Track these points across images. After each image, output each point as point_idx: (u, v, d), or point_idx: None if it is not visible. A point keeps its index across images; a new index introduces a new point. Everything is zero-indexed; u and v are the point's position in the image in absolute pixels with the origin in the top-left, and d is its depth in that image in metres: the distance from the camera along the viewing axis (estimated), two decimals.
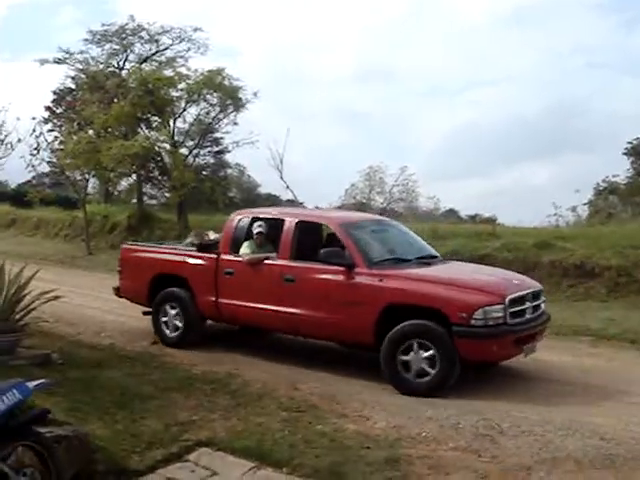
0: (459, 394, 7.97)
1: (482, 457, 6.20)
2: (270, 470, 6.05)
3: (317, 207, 22.69)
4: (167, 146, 25.31)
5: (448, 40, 64.12)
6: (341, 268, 8.68)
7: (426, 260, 9.44)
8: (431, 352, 8.01)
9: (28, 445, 4.92)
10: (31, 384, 5.08)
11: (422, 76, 66.59)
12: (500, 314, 8.04)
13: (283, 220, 9.55)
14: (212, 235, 10.64)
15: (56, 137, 26.62)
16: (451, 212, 39.15)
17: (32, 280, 8.80)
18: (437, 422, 7.06)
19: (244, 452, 6.31)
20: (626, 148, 32.57)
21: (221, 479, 5.96)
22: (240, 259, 9.61)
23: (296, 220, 9.44)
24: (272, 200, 33.23)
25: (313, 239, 9.36)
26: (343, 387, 8.25)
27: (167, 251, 10.85)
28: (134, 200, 31.48)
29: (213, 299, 9.78)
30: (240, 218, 10.17)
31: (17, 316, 8.54)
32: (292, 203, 24.91)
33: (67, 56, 31.94)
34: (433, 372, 8.03)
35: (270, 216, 10.06)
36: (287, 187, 24.74)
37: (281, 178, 24.31)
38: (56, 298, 9.26)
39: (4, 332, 8.07)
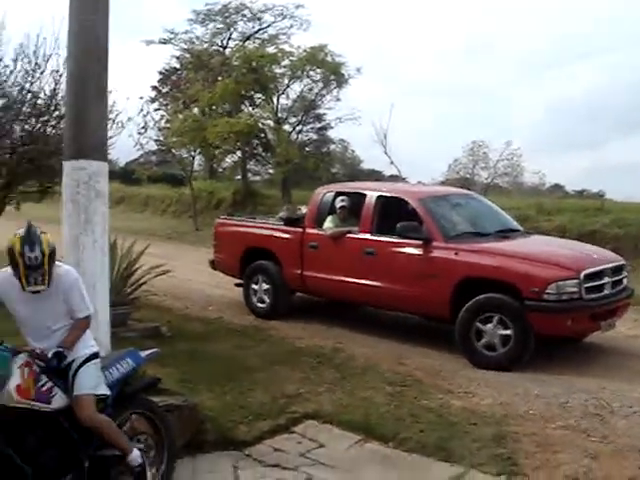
0: (563, 372, 7.83)
1: (591, 437, 6.06)
2: (376, 444, 6.08)
3: (420, 182, 22.49)
4: (271, 123, 25.58)
5: (553, 8, 61.86)
6: (419, 242, 8.69)
7: (505, 234, 9.32)
8: (508, 331, 7.96)
9: (141, 413, 5.09)
10: (143, 353, 5.25)
11: (526, 47, 64.60)
12: (574, 289, 7.89)
13: (364, 194, 9.63)
14: (304, 209, 10.77)
15: (162, 116, 27.28)
16: (557, 187, 38.13)
17: (142, 255, 9.10)
18: (544, 400, 6.94)
19: (350, 425, 6.36)
20: None
21: (327, 451, 6.02)
22: (323, 233, 9.70)
23: (377, 194, 9.50)
24: (375, 176, 33.11)
25: (394, 213, 9.32)
26: (447, 363, 8.20)
27: (257, 225, 11.08)
28: (238, 177, 31.96)
29: (299, 272, 9.97)
30: (325, 193, 10.34)
31: (128, 290, 8.84)
32: (395, 179, 24.78)
33: (172, 36, 32.55)
34: (506, 348, 7.98)
35: (353, 190, 10.17)
36: (391, 162, 24.64)
37: (385, 153, 24.25)
38: (165, 273, 9.55)
39: (116, 305, 8.35)
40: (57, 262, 4.60)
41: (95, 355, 4.66)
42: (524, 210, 17.30)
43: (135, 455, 4.62)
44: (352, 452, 5.99)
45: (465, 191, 11.63)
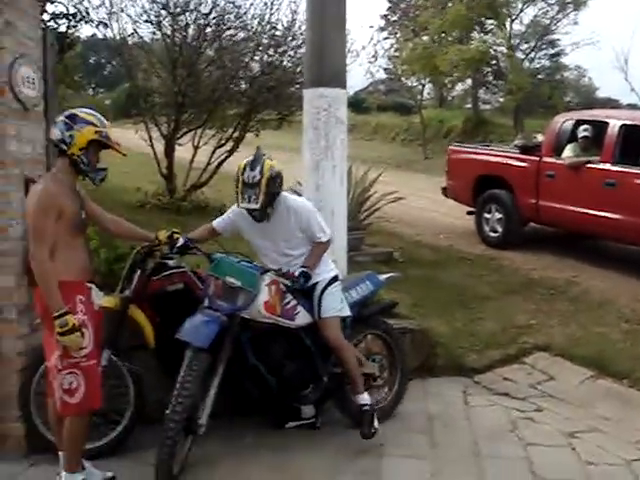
0: None
1: None
2: (609, 380, 5.94)
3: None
4: (503, 49, 24.77)
5: None
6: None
7: None
8: None
9: (377, 335, 5.29)
10: (382, 276, 5.42)
11: None
12: None
13: (607, 123, 9.05)
14: (540, 138, 10.38)
15: (392, 44, 27.25)
16: None
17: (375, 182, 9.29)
18: None
19: (582, 360, 6.25)
20: None
21: (558, 384, 5.97)
22: (562, 162, 9.34)
23: (620, 123, 8.88)
24: (611, 104, 31.20)
25: (638, 143, 8.72)
26: None
27: (491, 153, 10.84)
28: (467, 105, 31.44)
29: (534, 201, 9.66)
30: (564, 120, 9.87)
31: (362, 216, 9.08)
32: (634, 107, 23.24)
33: None
34: None
35: (594, 119, 9.56)
36: (632, 89, 23.11)
37: (625, 80, 22.75)
38: (398, 200, 9.69)
39: (351, 230, 8.64)
40: (291, 194, 4.83)
41: (335, 278, 4.83)
42: None
43: (365, 397, 4.78)
44: (584, 387, 5.90)
45: None
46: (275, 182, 4.50)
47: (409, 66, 24.56)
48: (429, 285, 7.96)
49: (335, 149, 6.32)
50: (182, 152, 10.52)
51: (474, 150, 11.17)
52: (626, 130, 8.75)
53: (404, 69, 25.39)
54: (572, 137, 9.47)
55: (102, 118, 4.06)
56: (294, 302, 4.60)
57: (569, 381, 6.00)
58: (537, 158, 9.68)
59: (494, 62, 25.94)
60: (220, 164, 10.42)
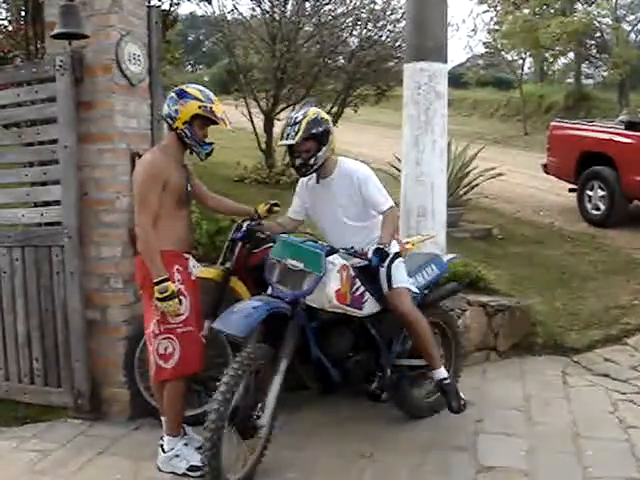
0: None
1: None
2: None
3: None
4: (608, 21, 23.89)
5: None
6: None
7: None
8: None
9: (435, 323, 4.94)
10: (446, 258, 5.22)
11: None
12: None
13: None
14: None
15: (492, 18, 26.62)
16: None
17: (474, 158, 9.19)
18: None
19: None
20: None
21: None
22: None
23: None
24: None
25: None
26: None
27: (595, 129, 10.55)
28: (568, 80, 30.48)
29: (639, 179, 9.34)
30: None
31: (461, 191, 9.00)
32: None
33: None
34: None
35: None
36: None
37: None
38: (498, 176, 9.56)
39: (450, 206, 8.57)
40: (346, 158, 4.59)
41: (398, 254, 4.50)
42: None
43: (443, 371, 4.53)
44: None
45: None
46: (319, 125, 4.23)
47: (509, 40, 23.97)
48: (529, 262, 7.86)
49: (435, 124, 6.27)
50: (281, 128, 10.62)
51: (577, 126, 10.89)
52: None
53: (504, 43, 24.79)
54: None
55: (210, 94, 4.14)
56: (362, 289, 4.26)
57: None
58: None
59: (598, 35, 25.04)
60: None
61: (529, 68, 32.93)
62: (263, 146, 10.35)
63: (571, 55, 27.52)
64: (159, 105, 5.02)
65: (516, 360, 5.96)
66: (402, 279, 4.43)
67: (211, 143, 4.18)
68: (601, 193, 9.87)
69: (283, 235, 4.21)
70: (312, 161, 4.26)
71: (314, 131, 4.20)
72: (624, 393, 5.25)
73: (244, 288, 4.69)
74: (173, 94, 4.06)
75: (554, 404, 5.05)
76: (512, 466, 4.08)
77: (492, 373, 5.73)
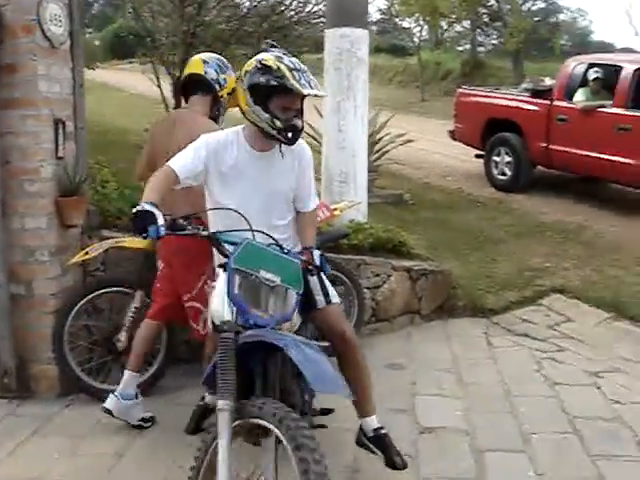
0: None
1: None
2: (626, 322, 6.00)
3: None
4: None
5: None
6: None
7: None
8: None
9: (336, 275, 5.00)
10: None
11: None
12: None
13: (621, 67, 9.07)
14: (548, 81, 10.39)
15: None
16: None
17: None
18: None
19: (598, 302, 6.30)
20: None
21: (576, 326, 6.03)
22: (574, 106, 9.34)
23: (635, 67, 8.89)
24: (605, 48, 31.11)
25: None
26: None
27: (501, 96, 10.87)
28: (459, 48, 31.14)
29: (544, 145, 9.70)
30: (576, 64, 9.86)
31: (372, 157, 9.07)
32: (627, 51, 23.14)
33: None
34: None
35: (607, 62, 9.59)
36: (637, 33, 23.04)
37: (630, 23, 22.62)
38: (408, 142, 9.70)
39: None
40: None
41: None
42: None
43: (375, 419, 3.58)
44: (601, 329, 5.97)
45: None
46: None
47: (407, 7, 24.19)
48: (442, 227, 8.02)
49: (357, 90, 6.31)
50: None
51: (484, 93, 11.14)
52: None
53: (401, 10, 25.01)
54: (584, 81, 9.45)
55: None
56: None
57: (586, 323, 6.07)
58: (548, 102, 9.67)
59: (491, 4, 25.63)
60: None
61: (423, 35, 33.48)
62: None
63: (465, 23, 28.09)
64: (81, 69, 4.87)
65: (439, 323, 6.12)
66: (334, 292, 3.59)
67: None
68: (507, 159, 10.16)
69: (247, 237, 2.95)
70: (302, 124, 3.30)
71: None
72: (545, 352, 5.48)
73: None
74: (217, 61, 4.30)
75: (482, 364, 5.22)
76: (452, 426, 4.20)
77: (418, 336, 5.86)
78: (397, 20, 26.82)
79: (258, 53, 3.36)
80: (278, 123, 3.17)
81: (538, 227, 8.32)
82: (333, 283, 3.65)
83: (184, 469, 2.93)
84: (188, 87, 4.32)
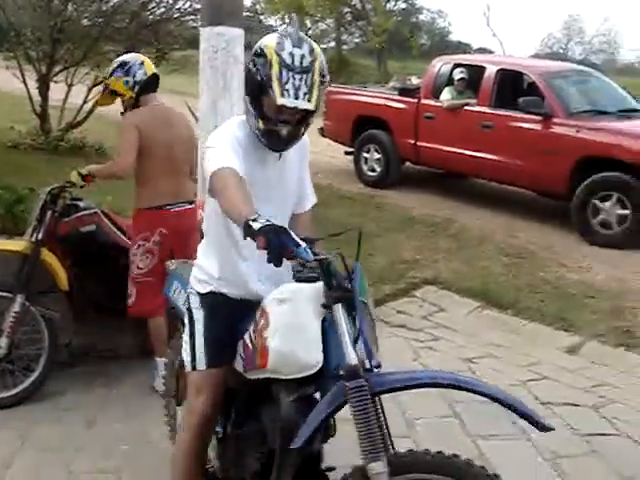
0: None
1: None
2: (495, 311, 6.33)
3: (510, 56, 21.98)
4: None
5: None
6: (539, 117, 8.67)
7: (628, 113, 9.15)
8: (626, 210, 7.96)
9: None
10: None
11: None
12: None
13: (484, 67, 9.60)
14: (415, 80, 10.79)
15: None
16: None
17: None
18: None
19: (468, 292, 6.61)
20: None
21: (449, 315, 6.32)
22: (440, 104, 9.76)
23: (497, 68, 9.45)
24: (462, 48, 32.38)
25: (513, 87, 9.32)
26: (559, 239, 8.26)
27: (370, 94, 11.15)
28: (323, 45, 31.51)
29: (412, 142, 10.07)
30: (442, 64, 10.35)
31: None
32: (483, 51, 24.21)
33: None
34: (622, 227, 8.01)
35: (472, 63, 10.16)
36: (494, 34, 24.10)
37: (487, 25, 23.64)
38: None
39: None
40: None
41: None
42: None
43: None
44: (472, 317, 6.28)
45: (583, 67, 11.36)
46: (325, 76, 2.62)
47: (273, 4, 24.30)
48: (315, 223, 8.11)
49: (234, 89, 6.25)
50: (57, 92, 10.11)
51: (353, 91, 11.38)
52: (502, 75, 9.23)
53: (266, 7, 25.08)
54: (450, 80, 9.86)
55: None
56: None
57: (458, 312, 6.36)
58: (416, 100, 10.02)
59: (354, 3, 26.10)
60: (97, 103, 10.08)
61: None
62: (38, 110, 9.77)
63: (330, 21, 28.50)
64: None
65: None
66: None
67: None
68: (377, 156, 10.43)
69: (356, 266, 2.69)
70: (303, 130, 2.73)
71: (325, 80, 2.63)
72: (422, 341, 5.72)
73: (55, 260, 4.53)
74: None
75: None
76: (338, 416, 4.28)
77: None
78: (262, 18, 26.84)
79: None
80: (260, 124, 2.64)
81: (409, 221, 8.61)
82: None
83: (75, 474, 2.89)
84: (149, 86, 4.60)
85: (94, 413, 4.34)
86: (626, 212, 7.94)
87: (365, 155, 10.64)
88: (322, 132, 11.66)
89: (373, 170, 10.56)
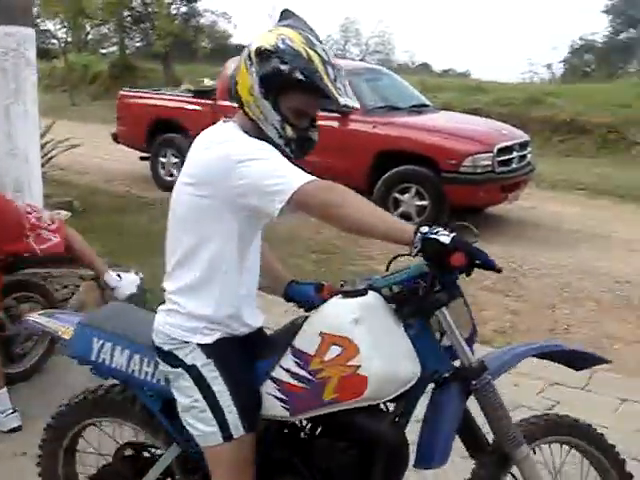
0: None
1: (510, 296, 6.59)
2: None
3: None
4: None
5: None
6: (336, 115, 8.72)
7: (419, 109, 9.67)
8: (424, 202, 8.40)
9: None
10: None
11: None
12: (488, 162, 8.38)
13: None
14: (207, 82, 10.72)
15: None
16: (424, 66, 39.07)
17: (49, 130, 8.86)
18: None
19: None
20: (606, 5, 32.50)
21: (269, 317, 6.25)
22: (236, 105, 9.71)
23: None
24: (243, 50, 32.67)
25: None
26: None
27: (164, 97, 10.99)
28: (103, 50, 30.75)
29: None
30: (235, 65, 10.23)
31: None
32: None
33: None
34: (421, 217, 8.39)
35: None
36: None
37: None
38: (73, 147, 9.33)
39: None
40: None
41: None
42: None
43: None
44: (288, 317, 6.24)
45: (374, 66, 11.76)
46: None
47: (50, 7, 23.22)
48: (118, 232, 7.83)
49: (26, 92, 5.89)
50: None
51: (147, 95, 11.09)
52: None
53: (45, 9, 23.95)
54: None
55: None
56: None
57: (274, 312, 6.29)
58: (212, 102, 9.90)
59: (133, 6, 25.62)
60: None
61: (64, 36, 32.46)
62: None
63: (111, 25, 27.77)
64: None
65: None
66: None
67: None
68: (174, 160, 10.22)
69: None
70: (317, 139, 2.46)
71: None
72: None
73: None
74: None
75: None
76: None
77: None
78: (39, 21, 25.57)
79: None
80: (290, 131, 2.29)
81: None
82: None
83: None
84: None
85: None
86: (425, 203, 8.30)
87: (162, 160, 10.42)
88: (116, 138, 11.29)
89: (171, 175, 10.35)
